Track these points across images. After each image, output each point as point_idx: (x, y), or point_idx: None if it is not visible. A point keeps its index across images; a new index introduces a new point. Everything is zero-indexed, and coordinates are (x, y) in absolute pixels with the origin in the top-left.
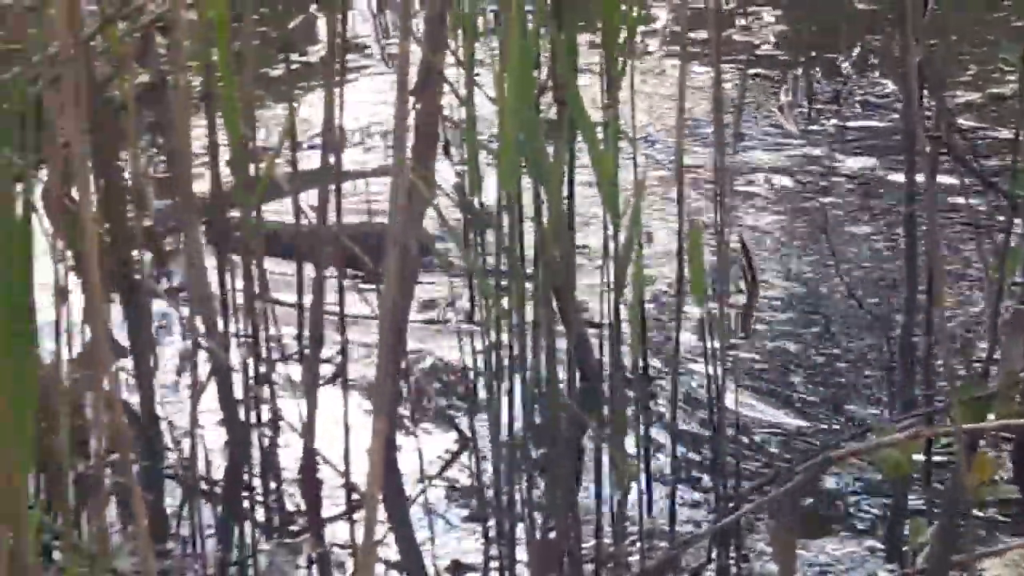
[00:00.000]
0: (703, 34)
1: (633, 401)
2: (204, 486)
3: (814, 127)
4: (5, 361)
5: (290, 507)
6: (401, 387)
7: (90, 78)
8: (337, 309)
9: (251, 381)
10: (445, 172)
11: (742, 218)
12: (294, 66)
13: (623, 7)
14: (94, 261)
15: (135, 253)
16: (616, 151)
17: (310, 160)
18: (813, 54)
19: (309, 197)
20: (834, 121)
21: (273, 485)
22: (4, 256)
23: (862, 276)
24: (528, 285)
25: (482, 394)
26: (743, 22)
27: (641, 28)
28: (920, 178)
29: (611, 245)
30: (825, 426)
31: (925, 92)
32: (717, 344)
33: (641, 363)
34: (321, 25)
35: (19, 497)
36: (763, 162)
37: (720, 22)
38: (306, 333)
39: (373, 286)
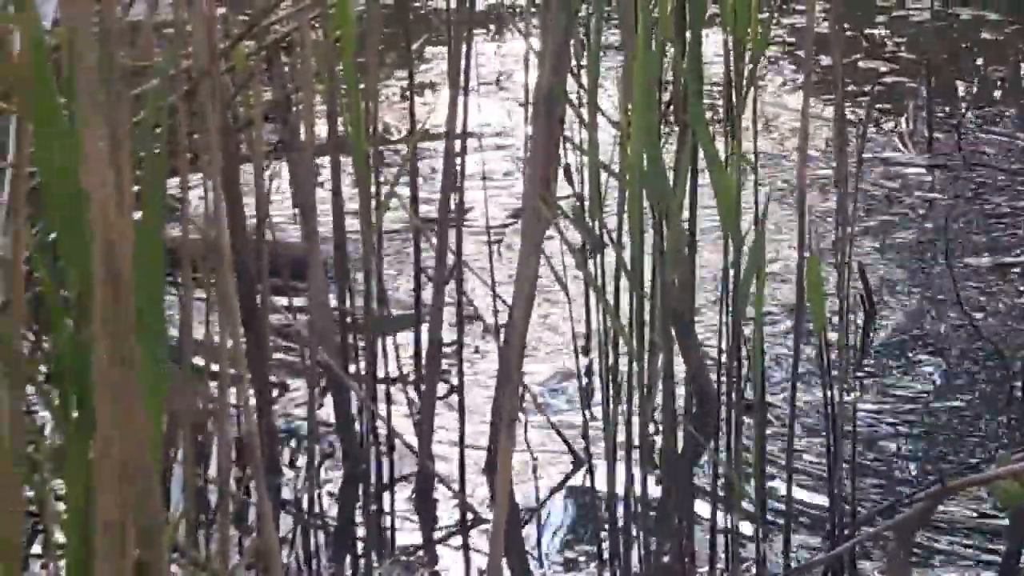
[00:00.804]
0: (826, 60)
1: (750, 427)
2: (319, 504)
3: (936, 154)
4: (143, 369)
5: (404, 527)
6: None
7: (221, 95)
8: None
9: (367, 399)
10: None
11: (862, 245)
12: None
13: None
14: (229, 277)
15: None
16: (739, 175)
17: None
18: (935, 81)
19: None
20: (956, 149)
21: (387, 504)
22: (141, 267)
23: (982, 305)
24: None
25: (599, 415)
26: (865, 45)
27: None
28: None
29: (730, 270)
30: (942, 456)
31: None
32: (835, 372)
33: (759, 389)
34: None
35: (155, 510)
36: (884, 188)
37: (843, 47)
38: (423, 352)
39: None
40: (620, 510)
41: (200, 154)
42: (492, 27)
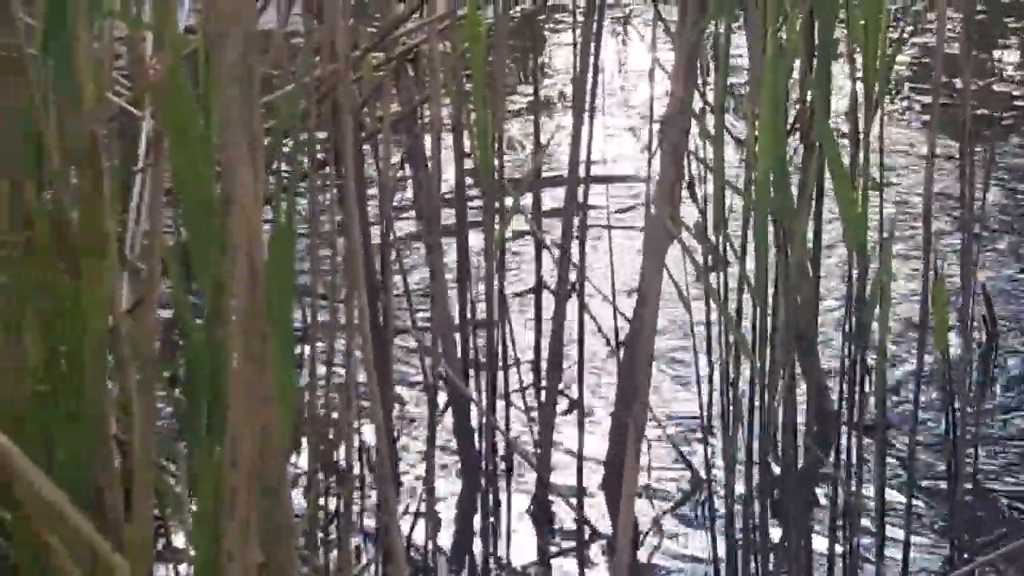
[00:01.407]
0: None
1: (870, 447)
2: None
3: None
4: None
5: (520, 541)
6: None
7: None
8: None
9: (487, 411)
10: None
11: (986, 266)
12: (529, 98)
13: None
14: (361, 283)
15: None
16: (866, 194)
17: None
18: None
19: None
20: None
21: (504, 518)
22: (273, 271)
23: None
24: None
25: (718, 433)
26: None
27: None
28: None
29: (854, 287)
30: None
31: None
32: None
33: (881, 409)
34: (559, 56)
35: (286, 511)
36: (1010, 209)
37: (973, 67)
38: (543, 364)
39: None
40: (738, 525)
41: (332, 162)
42: (618, 35)
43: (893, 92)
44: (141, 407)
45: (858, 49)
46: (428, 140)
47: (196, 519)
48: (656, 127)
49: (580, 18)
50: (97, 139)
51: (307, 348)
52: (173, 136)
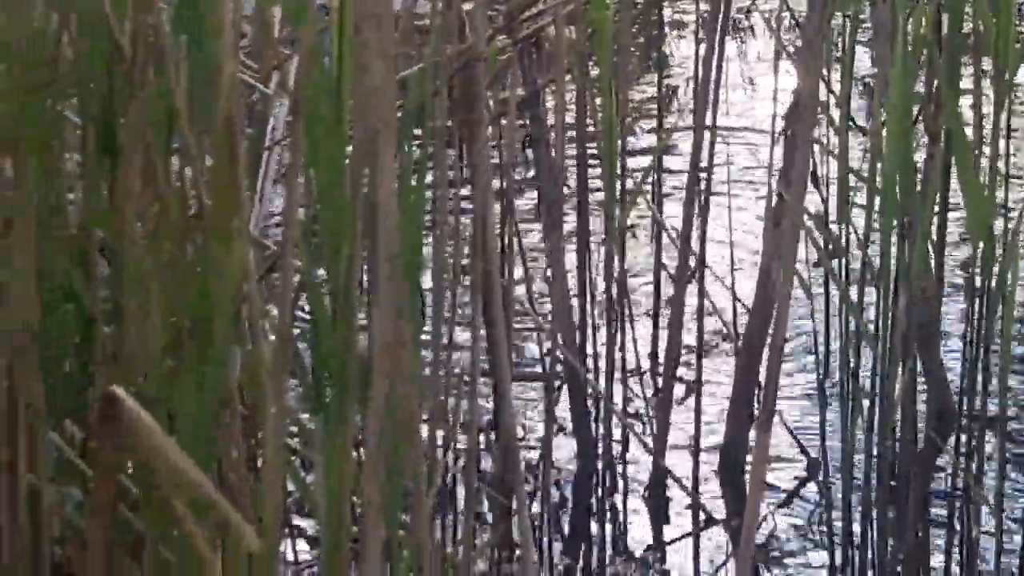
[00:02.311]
0: None
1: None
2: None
3: None
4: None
5: (636, 524)
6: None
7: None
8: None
9: (603, 394)
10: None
11: None
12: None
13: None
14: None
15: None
16: (993, 183)
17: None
18: None
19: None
20: None
21: (620, 501)
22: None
23: None
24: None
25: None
26: None
27: None
28: None
29: (977, 281)
30: None
31: None
32: None
33: (1003, 402)
34: (682, 44)
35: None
36: None
37: None
38: (661, 348)
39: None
40: (856, 515)
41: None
42: (739, 30)
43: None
44: (273, 382)
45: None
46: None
47: (326, 502)
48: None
49: (704, 6)
50: (233, 114)
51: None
52: (308, 114)
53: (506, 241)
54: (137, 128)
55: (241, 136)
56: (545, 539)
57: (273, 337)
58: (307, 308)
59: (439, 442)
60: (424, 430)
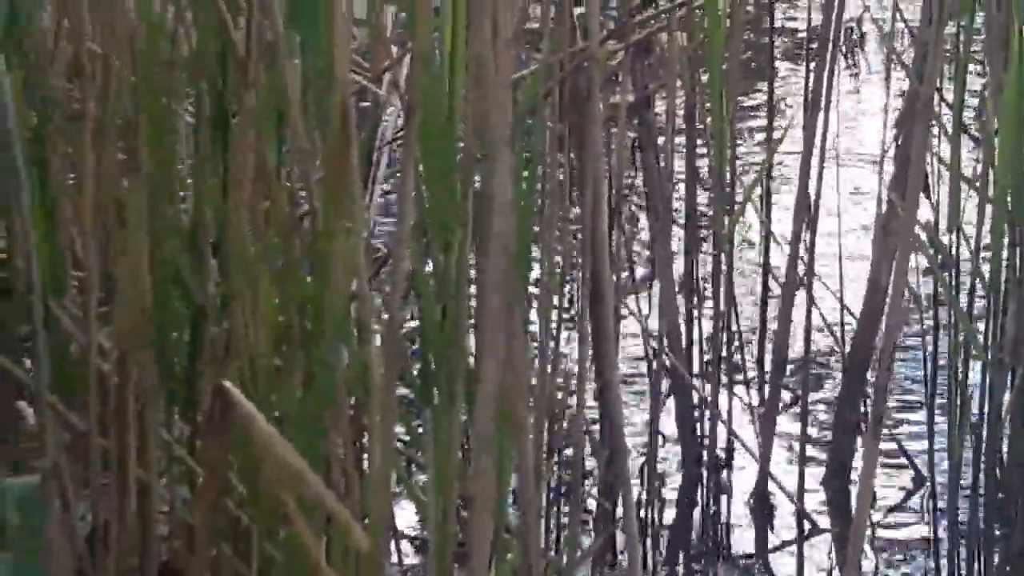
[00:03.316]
0: None
1: None
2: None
3: None
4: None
5: (740, 532)
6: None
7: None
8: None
9: (709, 401)
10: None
11: None
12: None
13: None
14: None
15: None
16: None
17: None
18: None
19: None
20: None
21: (724, 509)
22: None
23: None
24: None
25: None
26: None
27: None
28: None
29: None
30: None
31: None
32: None
33: None
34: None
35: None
36: None
37: None
38: (768, 356)
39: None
40: (960, 526)
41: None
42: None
43: None
44: (381, 378)
45: None
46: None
47: (434, 489)
48: (892, 124)
49: (816, 15)
50: (349, 109)
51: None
52: (423, 116)
53: (614, 246)
54: (249, 124)
55: (354, 135)
56: (648, 545)
57: (382, 336)
58: (417, 309)
59: (545, 444)
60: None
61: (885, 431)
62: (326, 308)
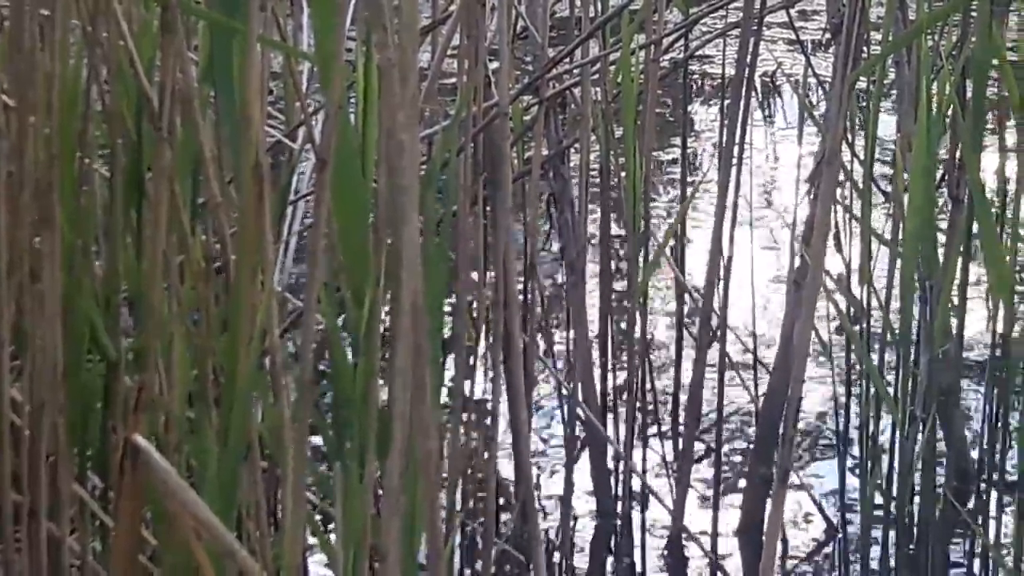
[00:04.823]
0: None
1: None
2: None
3: None
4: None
5: None
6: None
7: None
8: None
9: (624, 452)
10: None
11: None
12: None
13: None
14: (515, 323)
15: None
16: (1014, 246)
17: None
18: None
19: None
20: None
21: (639, 559)
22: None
23: None
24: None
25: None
26: None
27: None
28: None
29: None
30: None
31: None
32: None
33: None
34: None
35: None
36: None
37: None
38: (683, 409)
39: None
40: None
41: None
42: (762, 96)
43: None
44: (293, 431)
45: (1010, 105)
46: (575, 184)
47: (344, 542)
48: (803, 180)
49: (729, 70)
50: (263, 165)
51: (448, 381)
52: (336, 168)
53: (528, 299)
54: (163, 178)
55: (268, 188)
56: None
57: (294, 389)
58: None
59: (458, 497)
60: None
61: (800, 482)
62: (238, 362)
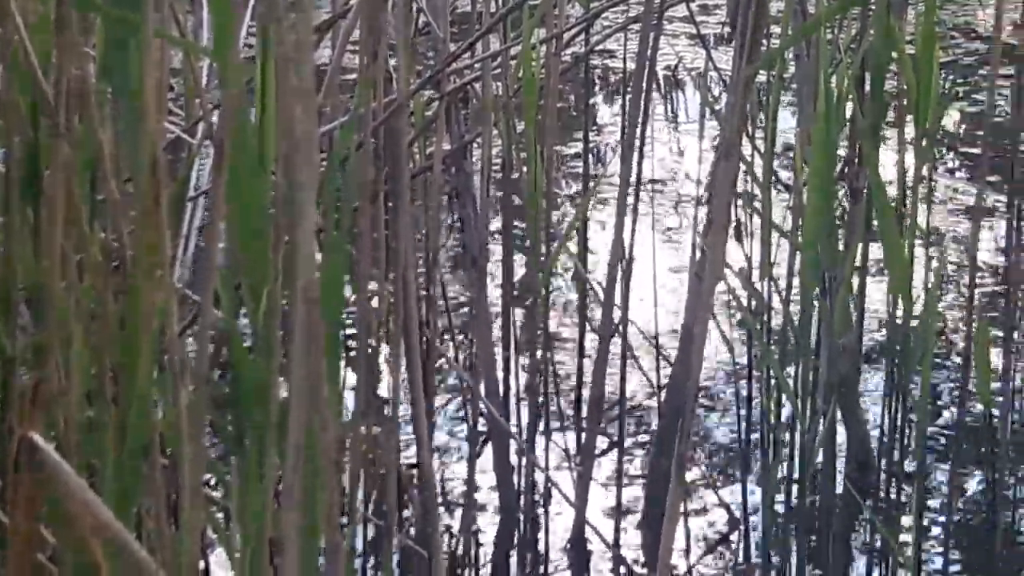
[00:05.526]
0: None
1: (909, 496)
2: (472, 555)
3: None
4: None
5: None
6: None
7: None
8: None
9: (527, 446)
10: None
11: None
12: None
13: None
14: (414, 318)
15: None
16: (912, 241)
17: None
18: None
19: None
20: None
21: (542, 552)
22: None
23: None
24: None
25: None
26: None
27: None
28: None
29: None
30: None
31: None
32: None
33: (921, 460)
34: (611, 104)
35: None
36: None
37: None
38: (585, 401)
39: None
40: (774, 571)
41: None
42: (665, 90)
43: (944, 147)
44: (190, 428)
45: (909, 99)
46: (477, 179)
47: (242, 540)
48: (706, 174)
49: (631, 65)
50: (159, 163)
51: (352, 376)
52: (233, 164)
53: (431, 292)
54: (61, 175)
55: (166, 185)
56: None
57: (192, 385)
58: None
59: (360, 492)
60: (346, 480)
61: (703, 474)
62: (137, 358)
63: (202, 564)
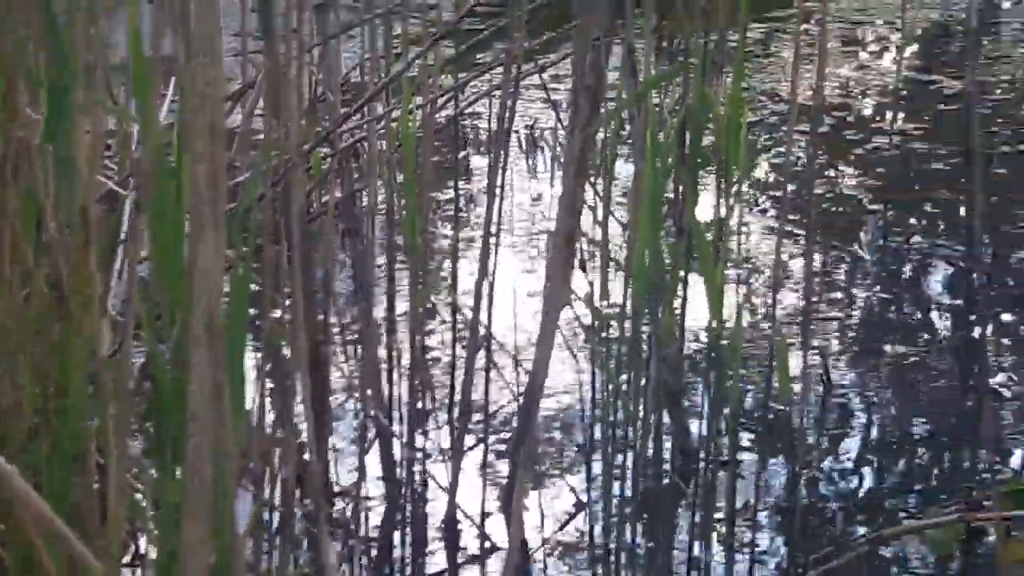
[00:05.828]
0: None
1: (724, 480)
2: (362, 533)
3: (888, 259)
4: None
5: (434, 552)
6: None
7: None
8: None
9: (408, 444)
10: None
11: (824, 332)
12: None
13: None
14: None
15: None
16: (724, 268)
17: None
18: (889, 204)
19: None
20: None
21: (420, 534)
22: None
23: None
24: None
25: (598, 465)
26: (831, 174)
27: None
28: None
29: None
30: (892, 505)
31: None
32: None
33: (733, 449)
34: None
35: (234, 528)
36: (842, 289)
37: (809, 177)
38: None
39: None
40: (613, 545)
41: (284, 237)
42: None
43: (757, 191)
44: (116, 436)
45: (723, 153)
46: (365, 221)
47: (160, 527)
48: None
49: (495, 125)
50: (89, 211)
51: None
52: (153, 211)
53: (327, 317)
54: (9, 220)
55: (96, 228)
56: (356, 564)
57: (117, 399)
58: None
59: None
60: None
61: (555, 466)
62: (72, 378)
63: (134, 548)
